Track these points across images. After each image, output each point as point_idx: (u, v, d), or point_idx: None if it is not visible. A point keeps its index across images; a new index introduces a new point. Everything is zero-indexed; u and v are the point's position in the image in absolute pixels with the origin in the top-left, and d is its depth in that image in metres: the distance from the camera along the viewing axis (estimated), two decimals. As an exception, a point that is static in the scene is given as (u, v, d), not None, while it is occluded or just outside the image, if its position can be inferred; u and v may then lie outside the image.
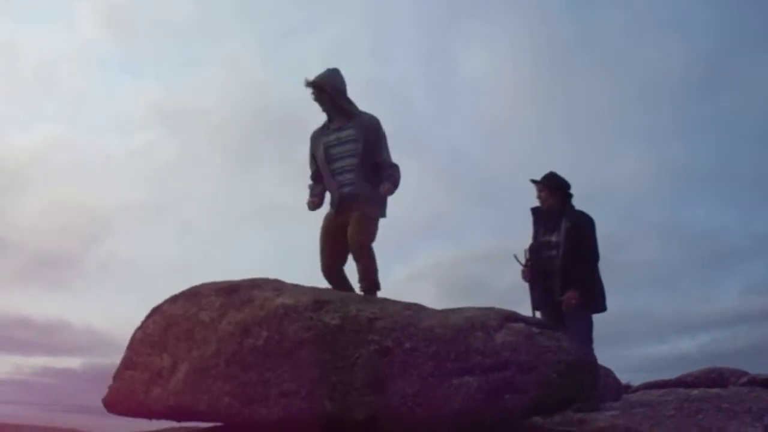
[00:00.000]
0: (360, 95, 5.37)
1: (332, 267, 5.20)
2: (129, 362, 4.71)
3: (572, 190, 5.84)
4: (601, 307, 5.61)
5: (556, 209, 5.76)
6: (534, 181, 5.88)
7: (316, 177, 5.37)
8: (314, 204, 5.32)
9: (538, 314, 5.52)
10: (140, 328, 4.84)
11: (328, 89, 5.16)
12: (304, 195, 5.42)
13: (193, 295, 4.67)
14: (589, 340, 5.32)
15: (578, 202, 5.87)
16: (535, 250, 5.80)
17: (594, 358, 4.46)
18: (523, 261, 5.85)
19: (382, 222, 5.20)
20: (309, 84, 5.17)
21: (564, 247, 5.54)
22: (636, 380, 7.32)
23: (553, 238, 5.65)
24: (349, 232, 5.04)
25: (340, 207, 5.16)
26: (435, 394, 3.59)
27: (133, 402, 4.50)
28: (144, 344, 4.67)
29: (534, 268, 5.74)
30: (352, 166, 5.12)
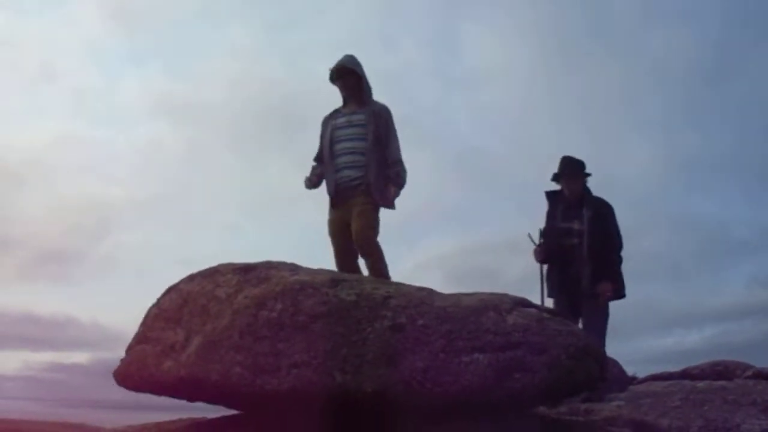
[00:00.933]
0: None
1: (345, 263, 5.23)
2: (142, 337, 4.74)
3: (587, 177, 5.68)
4: (622, 294, 5.51)
5: (576, 195, 5.61)
6: (558, 175, 5.70)
7: (320, 158, 5.44)
8: (311, 182, 5.37)
9: (550, 302, 5.47)
10: (155, 304, 4.88)
11: (361, 75, 5.28)
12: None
13: (211, 273, 4.73)
14: (603, 331, 5.27)
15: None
16: (553, 236, 5.66)
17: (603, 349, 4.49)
18: (537, 241, 5.74)
19: (388, 212, 5.23)
20: (343, 69, 5.25)
21: (590, 236, 5.42)
22: (642, 372, 7.31)
23: (575, 226, 5.50)
24: (353, 228, 5.07)
25: (336, 192, 5.19)
26: (445, 370, 3.64)
27: (144, 374, 4.51)
28: (158, 320, 4.71)
29: (548, 251, 5.62)
30: (360, 149, 5.16)
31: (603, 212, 5.53)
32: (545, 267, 5.72)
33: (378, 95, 5.42)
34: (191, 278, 4.83)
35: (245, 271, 4.58)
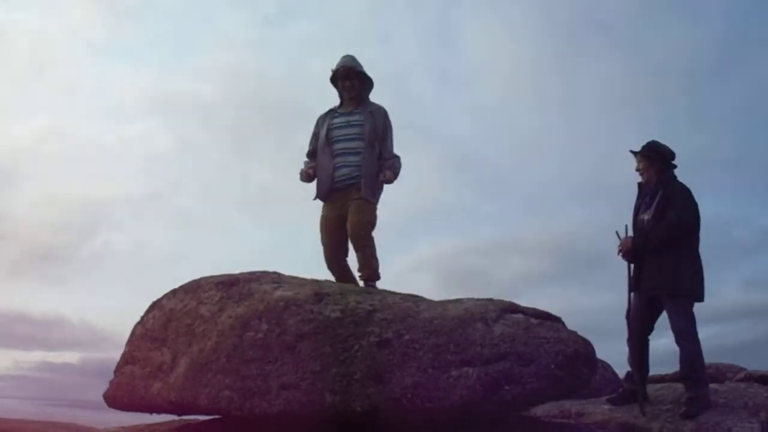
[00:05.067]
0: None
1: (335, 259, 5.24)
2: (129, 357, 4.72)
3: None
4: (696, 295, 4.93)
5: (651, 182, 5.13)
6: (633, 152, 5.26)
7: (313, 154, 5.42)
8: (308, 175, 5.34)
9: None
10: (140, 323, 4.85)
11: (369, 78, 5.32)
12: (301, 184, 5.43)
13: (193, 289, 4.68)
14: (688, 334, 4.82)
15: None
16: (634, 231, 5.16)
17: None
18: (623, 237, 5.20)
19: (381, 211, 5.24)
20: (353, 71, 5.25)
21: (651, 227, 4.96)
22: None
23: (645, 217, 5.03)
24: (349, 221, 5.07)
25: (330, 190, 5.19)
26: (435, 386, 3.61)
27: (134, 397, 4.51)
28: (144, 339, 4.68)
29: (635, 248, 5.04)
30: (357, 149, 5.17)
31: (670, 200, 4.96)
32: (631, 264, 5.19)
33: (374, 93, 5.43)
34: (173, 293, 4.78)
35: (227, 285, 4.53)
